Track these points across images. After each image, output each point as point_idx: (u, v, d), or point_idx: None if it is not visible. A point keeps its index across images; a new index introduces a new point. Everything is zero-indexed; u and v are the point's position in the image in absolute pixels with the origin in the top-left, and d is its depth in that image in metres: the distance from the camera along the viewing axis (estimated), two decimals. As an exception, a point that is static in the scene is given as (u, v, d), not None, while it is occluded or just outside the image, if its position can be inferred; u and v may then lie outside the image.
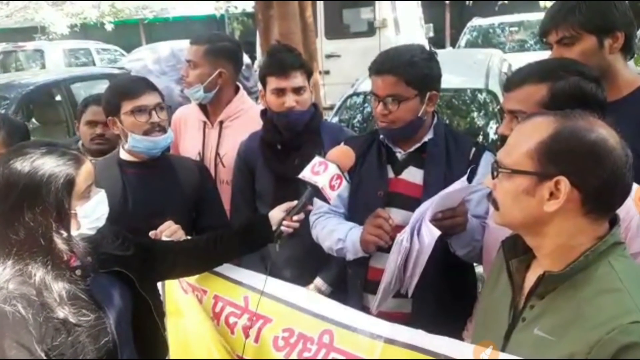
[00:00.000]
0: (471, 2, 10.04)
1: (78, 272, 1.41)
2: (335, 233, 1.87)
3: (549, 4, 11.03)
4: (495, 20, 10.12)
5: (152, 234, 1.85)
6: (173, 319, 1.77)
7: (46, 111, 5.22)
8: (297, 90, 2.08)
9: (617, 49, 1.66)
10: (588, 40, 1.65)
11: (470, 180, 1.65)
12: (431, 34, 11.16)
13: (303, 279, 2.11)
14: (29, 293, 1.30)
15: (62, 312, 1.32)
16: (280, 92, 2.07)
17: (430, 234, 1.50)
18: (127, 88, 2.00)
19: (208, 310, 1.75)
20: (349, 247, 1.81)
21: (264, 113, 2.18)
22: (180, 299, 1.78)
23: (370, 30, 8.37)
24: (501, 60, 5.48)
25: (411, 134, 1.87)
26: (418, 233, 1.55)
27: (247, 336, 1.65)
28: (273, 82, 2.08)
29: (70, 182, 1.35)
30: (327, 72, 8.00)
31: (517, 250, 1.21)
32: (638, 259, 1.29)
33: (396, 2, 8.71)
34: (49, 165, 1.34)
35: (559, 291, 1.10)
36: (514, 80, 1.46)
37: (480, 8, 11.78)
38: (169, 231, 1.86)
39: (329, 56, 8.18)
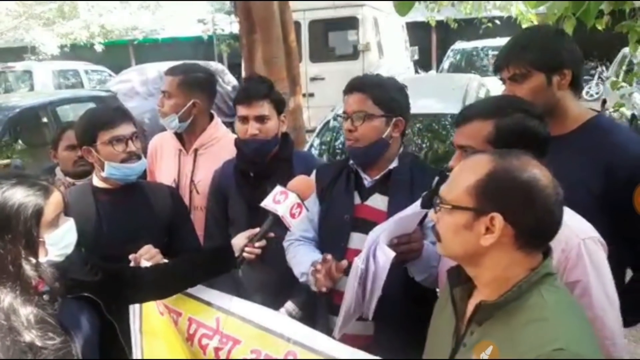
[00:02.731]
0: (456, 25, 10.23)
1: (46, 297, 1.47)
2: (300, 266, 1.94)
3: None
4: (478, 44, 10.35)
5: (132, 257, 1.90)
6: (150, 340, 1.82)
7: (32, 133, 5.29)
8: (260, 119, 2.15)
9: (566, 85, 1.75)
10: (537, 77, 1.73)
11: (428, 206, 1.73)
12: (416, 57, 11.38)
13: (275, 303, 2.16)
14: (-2, 317, 1.36)
15: (28, 336, 1.37)
16: (244, 119, 2.16)
17: (385, 255, 1.57)
18: (103, 119, 2.07)
19: (183, 332, 1.80)
20: (311, 282, 1.87)
21: (237, 141, 2.26)
22: (157, 321, 1.83)
23: (355, 53, 8.52)
24: (479, 85, 5.63)
25: (375, 155, 1.95)
26: (374, 256, 1.62)
27: (217, 357, 1.71)
28: (239, 110, 2.17)
29: (38, 212, 1.41)
30: (311, 95, 8.13)
31: (461, 279, 1.28)
32: (577, 287, 1.37)
33: (380, 25, 8.89)
34: (19, 195, 1.40)
35: (495, 319, 1.17)
36: (463, 116, 1.54)
37: (465, 31, 12.00)
38: (148, 255, 1.92)
39: (313, 79, 8.32)
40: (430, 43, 17.69)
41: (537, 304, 1.13)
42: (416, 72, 11.42)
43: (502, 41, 10.64)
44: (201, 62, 10.89)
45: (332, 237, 2.00)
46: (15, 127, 5.20)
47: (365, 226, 1.92)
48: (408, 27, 11.74)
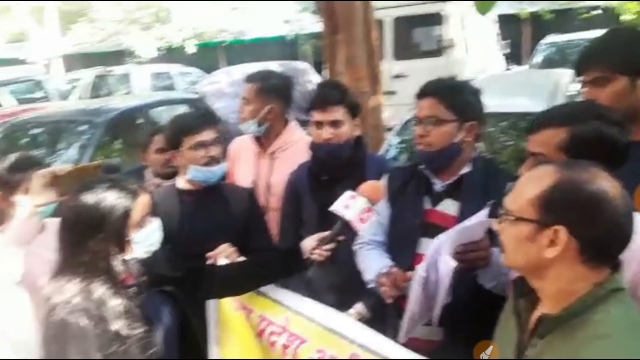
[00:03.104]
0: (550, 17, 9.76)
1: (132, 290, 1.61)
2: (368, 272, 1.97)
3: (629, 18, 10.56)
4: (572, 37, 9.78)
5: (210, 255, 2.03)
6: (225, 333, 1.93)
7: (129, 134, 5.67)
8: (335, 124, 2.20)
9: None
10: (620, 81, 1.66)
11: (495, 215, 1.71)
12: (507, 51, 10.96)
13: (345, 304, 2.21)
14: (90, 307, 1.49)
15: (116, 325, 1.51)
16: (319, 124, 2.21)
17: (446, 265, 1.57)
18: (188, 125, 2.21)
19: (254, 328, 1.89)
20: (377, 290, 1.90)
21: (311, 145, 2.33)
22: (232, 316, 1.94)
23: (439, 49, 8.37)
24: (571, 81, 5.35)
25: (447, 161, 1.94)
26: (436, 264, 1.62)
27: (285, 354, 1.78)
28: (314, 115, 2.23)
29: (127, 213, 1.55)
30: (393, 93, 8.08)
31: (525, 290, 1.26)
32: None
33: (467, 20, 8.66)
34: (110, 198, 1.54)
35: (558, 332, 1.14)
36: (536, 123, 1.51)
37: (560, 23, 11.41)
38: (225, 253, 2.03)
39: (395, 77, 8.26)
40: (521, 36, 16.96)
41: (603, 320, 1.09)
42: (507, 67, 11.01)
43: (597, 34, 9.99)
44: (286, 62, 11.23)
45: (401, 242, 2.01)
46: (114, 128, 5.61)
47: (436, 231, 1.89)
48: (498, 20, 11.35)
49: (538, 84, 5.27)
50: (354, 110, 2.27)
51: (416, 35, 8.50)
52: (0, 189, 2.07)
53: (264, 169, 2.57)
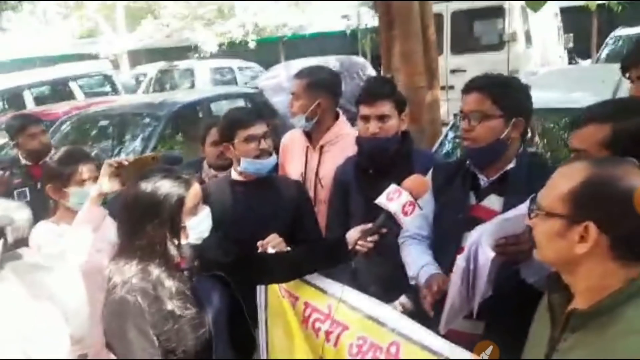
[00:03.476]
0: (620, 8, 9.32)
1: (186, 273, 1.73)
2: (411, 268, 2.02)
3: None
4: (644, 29, 9.31)
5: (259, 244, 2.12)
6: (273, 317, 2.03)
7: (189, 127, 5.90)
8: (382, 118, 2.24)
9: None
10: None
11: None
12: (571, 45, 10.56)
13: (389, 296, 2.26)
14: (147, 287, 1.62)
15: (170, 305, 1.63)
16: (366, 118, 2.26)
17: (485, 255, 1.59)
18: (241, 119, 2.31)
19: (299, 314, 1.97)
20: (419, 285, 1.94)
21: (358, 139, 2.38)
22: (279, 302, 2.03)
23: (500, 43, 8.18)
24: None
25: (492, 156, 1.94)
26: (475, 255, 1.64)
27: (328, 340, 1.85)
28: (362, 109, 2.28)
29: (181, 201, 1.66)
30: (451, 87, 7.98)
31: (559, 285, 1.27)
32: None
33: (529, 13, 8.41)
34: (166, 187, 1.66)
35: (589, 327, 1.16)
36: (580, 119, 1.51)
37: (631, 15, 10.87)
38: (273, 242, 2.12)
39: (453, 71, 8.15)
40: (590, 29, 16.23)
41: (635, 316, 1.10)
42: (571, 61, 10.61)
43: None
44: (344, 57, 11.28)
45: (445, 236, 2.03)
46: (176, 121, 5.86)
47: (481, 225, 1.94)
48: (564, 12, 10.93)
49: (601, 79, 5.07)
50: (401, 105, 2.31)
51: (476, 28, 8.33)
52: (51, 181, 2.26)
53: (314, 162, 2.65)
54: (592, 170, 1.15)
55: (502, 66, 7.79)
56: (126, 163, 2.09)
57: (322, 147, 2.66)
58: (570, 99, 3.85)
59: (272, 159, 2.33)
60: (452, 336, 1.94)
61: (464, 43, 8.37)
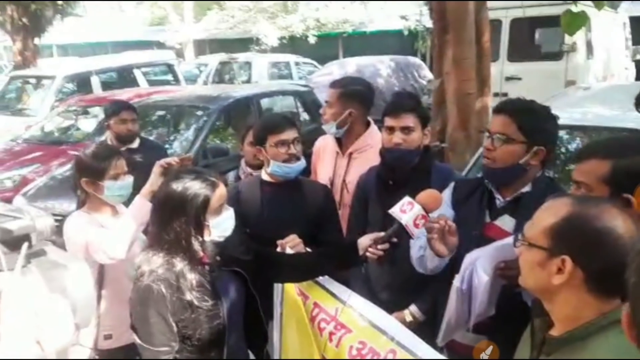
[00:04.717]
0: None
1: (207, 267, 1.88)
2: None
3: None
4: None
5: (278, 242, 2.26)
6: (287, 313, 2.18)
7: (239, 121, 6.14)
8: (406, 130, 2.32)
9: None
10: None
11: None
12: (638, 57, 10.12)
13: (400, 304, 2.35)
14: (170, 278, 1.77)
15: (190, 296, 1.78)
16: (390, 129, 2.34)
17: (479, 278, 1.66)
18: (272, 125, 2.46)
19: (308, 312, 2.10)
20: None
21: (381, 150, 2.47)
22: (293, 299, 2.17)
23: (559, 53, 7.97)
24: None
25: (508, 179, 1.99)
26: (470, 277, 1.71)
27: (330, 340, 1.97)
28: (387, 121, 2.36)
29: (206, 201, 1.81)
30: (504, 95, 7.85)
31: (541, 311, 1.34)
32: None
33: (593, 23, 8.14)
34: (194, 188, 1.81)
35: (562, 353, 1.23)
36: (583, 152, 1.55)
37: None
38: (292, 243, 2.25)
39: (508, 79, 8.01)
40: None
41: (600, 347, 1.16)
42: (638, 75, 10.16)
43: None
44: (399, 57, 11.26)
45: (458, 250, 2.10)
46: (227, 115, 6.11)
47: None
48: (634, 22, 10.47)
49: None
50: (425, 120, 2.38)
51: (535, 36, 8.13)
52: (86, 175, 2.46)
53: (342, 167, 2.78)
54: (574, 208, 1.21)
55: (560, 76, 7.58)
56: (174, 163, 2.30)
57: (350, 154, 2.77)
58: (627, 118, 3.66)
59: (300, 163, 2.46)
60: (454, 348, 2.04)
61: (521, 51, 8.19)
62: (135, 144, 3.90)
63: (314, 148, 3.00)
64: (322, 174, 2.84)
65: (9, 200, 5.29)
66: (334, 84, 2.83)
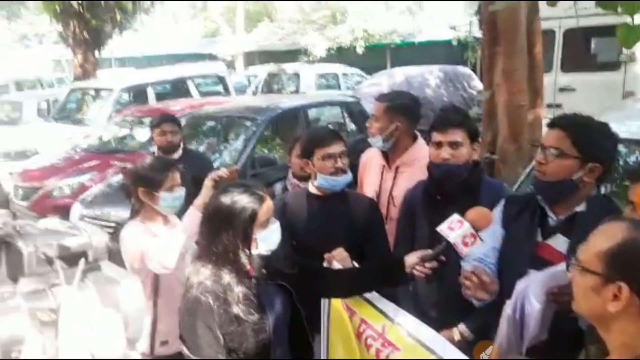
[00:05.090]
0: None
1: (253, 280, 1.90)
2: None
3: None
4: None
5: (326, 256, 2.27)
6: (335, 327, 2.17)
7: (287, 131, 6.20)
8: (454, 145, 2.28)
9: None
10: None
11: None
12: None
13: (449, 322, 2.30)
14: (218, 290, 1.80)
15: (236, 309, 1.80)
16: (438, 144, 2.31)
17: (531, 306, 1.61)
18: (319, 138, 2.49)
19: (355, 328, 2.09)
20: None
21: (429, 164, 2.44)
22: (340, 314, 2.16)
23: (616, 64, 7.68)
24: None
25: (559, 194, 1.93)
26: (522, 305, 1.66)
27: (378, 357, 1.96)
28: (434, 136, 2.33)
29: (254, 215, 1.84)
30: (558, 106, 7.63)
31: (596, 338, 1.29)
32: None
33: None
34: (242, 201, 1.84)
35: None
36: (637, 173, 1.49)
37: None
38: (339, 256, 2.26)
39: (562, 89, 7.78)
40: None
41: None
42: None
43: None
44: (448, 67, 11.13)
45: (510, 270, 2.04)
46: (275, 125, 6.19)
47: (543, 265, 1.90)
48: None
49: None
50: (473, 135, 2.34)
51: (591, 46, 7.88)
52: (143, 185, 2.55)
53: (388, 181, 2.76)
54: (630, 232, 1.17)
55: (616, 87, 7.30)
56: (224, 176, 2.36)
57: (397, 167, 2.76)
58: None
59: (346, 177, 2.46)
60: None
61: (576, 61, 7.94)
62: (177, 155, 3.99)
63: (360, 161, 3.00)
64: (368, 187, 2.83)
65: (67, 207, 5.54)
66: (381, 98, 2.82)
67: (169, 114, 4.82)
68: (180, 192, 2.59)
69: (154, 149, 4.15)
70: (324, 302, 2.21)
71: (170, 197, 2.54)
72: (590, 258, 1.21)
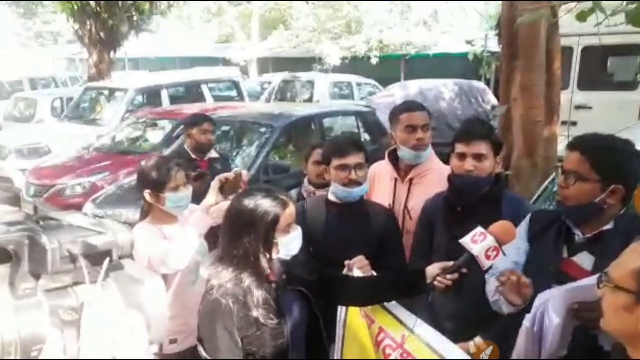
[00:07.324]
0: None
1: (273, 285, 1.89)
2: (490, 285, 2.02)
3: None
4: None
5: (346, 263, 2.25)
6: (350, 335, 2.15)
7: (300, 139, 6.22)
8: (478, 157, 2.27)
9: None
10: None
11: None
12: None
13: (465, 333, 2.28)
14: (238, 293, 1.79)
15: (256, 312, 1.79)
16: (462, 156, 2.30)
17: (550, 320, 1.59)
18: (336, 147, 2.50)
19: (373, 336, 2.08)
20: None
21: (450, 176, 2.42)
22: (357, 321, 2.14)
23: (633, 83, 7.64)
24: None
25: (584, 217, 1.92)
26: (541, 318, 1.64)
27: None
28: (458, 147, 2.32)
29: (276, 220, 1.83)
30: (573, 124, 7.60)
31: (625, 357, 1.27)
32: None
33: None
34: (264, 205, 1.83)
35: None
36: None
37: None
38: (359, 264, 2.24)
39: (578, 107, 7.76)
40: None
41: None
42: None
43: None
44: (463, 81, 11.12)
45: (533, 284, 2.02)
46: (289, 132, 6.19)
47: (567, 281, 1.88)
48: None
49: None
50: (497, 147, 2.33)
51: (608, 65, 7.86)
52: (149, 187, 2.55)
53: (402, 193, 2.74)
54: None
55: (634, 106, 7.28)
56: (230, 178, 2.36)
57: (411, 179, 2.74)
58: None
59: (361, 189, 2.46)
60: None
61: (593, 79, 7.91)
62: (215, 154, 4.14)
63: (368, 174, 2.97)
64: (379, 200, 2.78)
65: (79, 205, 5.56)
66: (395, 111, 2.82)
67: (205, 113, 4.89)
68: (186, 192, 2.59)
69: (186, 147, 4.16)
70: (340, 309, 2.19)
71: (175, 197, 2.55)
72: (624, 276, 1.19)
